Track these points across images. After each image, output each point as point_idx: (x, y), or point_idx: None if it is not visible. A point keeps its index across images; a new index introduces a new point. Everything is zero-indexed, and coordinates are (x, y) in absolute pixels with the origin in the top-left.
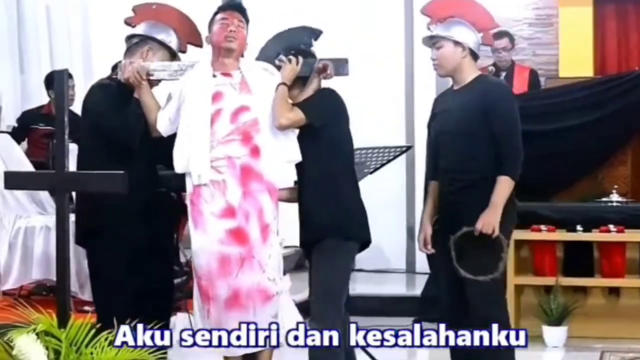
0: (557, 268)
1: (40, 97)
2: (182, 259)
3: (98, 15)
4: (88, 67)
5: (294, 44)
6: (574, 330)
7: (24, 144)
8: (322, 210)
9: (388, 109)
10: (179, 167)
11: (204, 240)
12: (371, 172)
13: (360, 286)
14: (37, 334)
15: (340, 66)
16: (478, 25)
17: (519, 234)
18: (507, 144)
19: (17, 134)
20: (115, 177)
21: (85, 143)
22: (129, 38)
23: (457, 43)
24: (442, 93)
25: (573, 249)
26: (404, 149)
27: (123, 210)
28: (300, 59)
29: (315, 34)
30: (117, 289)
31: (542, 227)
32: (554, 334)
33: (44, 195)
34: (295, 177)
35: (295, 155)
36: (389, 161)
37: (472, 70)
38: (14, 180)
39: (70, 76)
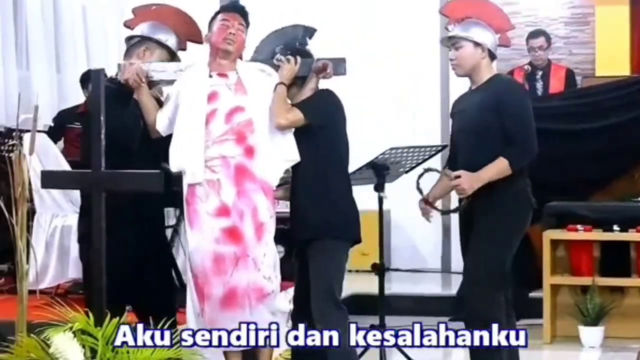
0: (593, 268)
1: (77, 97)
2: None
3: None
4: None
5: (289, 42)
6: (611, 331)
7: (60, 143)
8: (315, 211)
9: (425, 109)
10: (174, 166)
11: (199, 239)
12: (406, 172)
13: (395, 285)
14: (73, 333)
15: (338, 65)
16: (495, 26)
17: (555, 234)
18: (517, 133)
19: (54, 133)
20: (151, 176)
21: (85, 144)
22: (128, 39)
23: (476, 44)
24: (461, 95)
25: (610, 248)
26: (439, 148)
27: (123, 210)
28: (299, 58)
29: (310, 32)
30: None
31: (579, 226)
32: (591, 335)
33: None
34: (281, 175)
35: (294, 155)
36: (424, 160)
37: (489, 70)
38: (50, 179)
39: (105, 75)
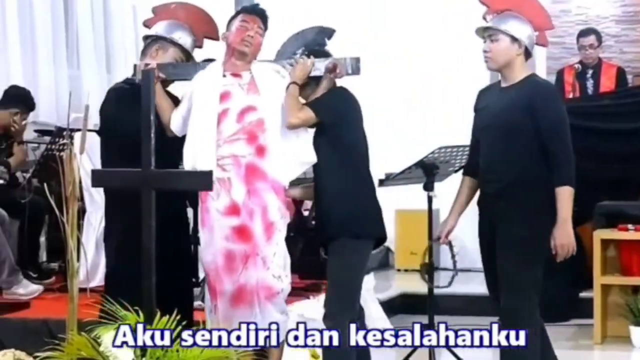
0: None
1: None
2: None
3: None
4: None
5: (309, 44)
6: None
7: None
8: (334, 209)
9: (435, 109)
10: (187, 164)
11: (211, 237)
12: (456, 171)
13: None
14: None
15: (352, 64)
16: (534, 24)
17: (605, 234)
18: (556, 149)
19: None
20: (200, 174)
21: (102, 143)
22: (145, 39)
23: (514, 39)
24: (486, 88)
25: None
26: None
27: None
28: (312, 58)
29: (328, 32)
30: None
31: (630, 226)
32: None
33: None
34: (296, 176)
35: (310, 157)
36: None
37: (524, 68)
38: (101, 178)
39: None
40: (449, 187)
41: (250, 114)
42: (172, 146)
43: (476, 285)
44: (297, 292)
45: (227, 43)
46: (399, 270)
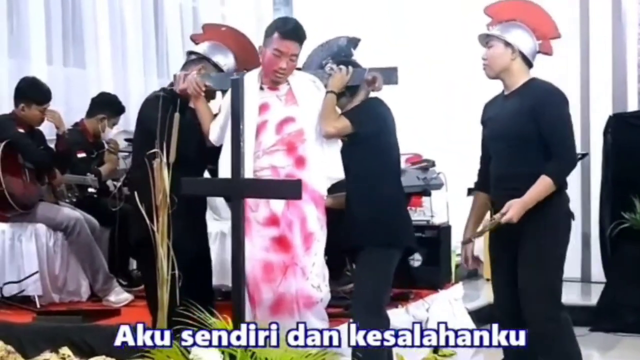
0: None
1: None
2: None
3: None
4: None
5: (336, 54)
6: None
7: None
8: (365, 217)
9: (456, 117)
10: (222, 174)
11: (250, 248)
12: None
13: None
14: None
15: (389, 75)
16: (539, 32)
17: None
18: (556, 145)
19: None
20: (290, 184)
21: (138, 152)
22: (189, 54)
23: (507, 44)
24: (491, 100)
25: None
26: (579, 156)
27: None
28: (350, 68)
29: (354, 42)
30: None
31: None
32: None
33: (219, 202)
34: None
35: (337, 172)
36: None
37: (523, 74)
38: (192, 186)
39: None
40: None
41: (290, 124)
42: (206, 156)
43: (566, 295)
44: None
45: (262, 64)
46: (487, 280)
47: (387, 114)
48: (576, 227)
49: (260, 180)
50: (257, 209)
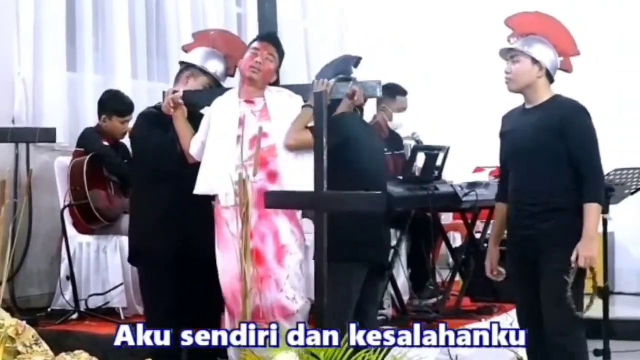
0: None
1: None
2: (438, 279)
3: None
4: None
5: (339, 72)
6: None
7: None
8: (335, 232)
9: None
10: (198, 189)
11: (227, 261)
12: (632, 193)
13: (619, 309)
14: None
15: (372, 88)
16: (559, 49)
17: None
18: (586, 165)
19: None
20: (374, 197)
21: (133, 166)
22: (180, 64)
23: (535, 61)
24: (510, 112)
25: None
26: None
27: (168, 230)
28: (332, 82)
29: (354, 61)
30: (164, 305)
31: None
32: None
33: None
34: None
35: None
36: None
37: (547, 90)
38: (275, 199)
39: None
40: (624, 210)
41: (262, 140)
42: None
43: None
44: (469, 315)
45: (240, 71)
46: None
47: (356, 127)
48: None
49: (343, 193)
50: (232, 222)
